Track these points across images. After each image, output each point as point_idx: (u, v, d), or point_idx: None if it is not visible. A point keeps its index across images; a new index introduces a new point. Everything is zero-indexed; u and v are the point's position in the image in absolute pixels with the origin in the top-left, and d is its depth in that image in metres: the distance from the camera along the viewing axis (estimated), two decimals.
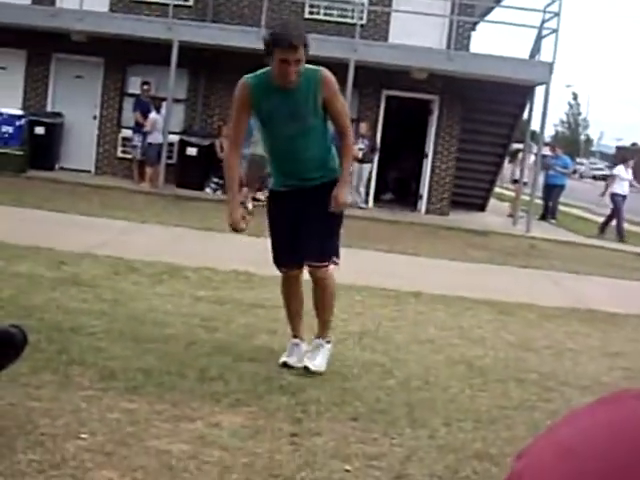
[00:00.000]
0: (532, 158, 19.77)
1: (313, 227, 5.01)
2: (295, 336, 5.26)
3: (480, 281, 9.76)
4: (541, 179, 20.13)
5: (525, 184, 19.46)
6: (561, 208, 21.82)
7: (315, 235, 5.01)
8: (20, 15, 16.70)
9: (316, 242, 5.01)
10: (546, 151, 20.93)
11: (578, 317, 8.02)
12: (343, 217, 5.20)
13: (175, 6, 17.00)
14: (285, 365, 5.05)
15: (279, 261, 5.17)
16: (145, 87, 17.45)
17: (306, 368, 4.96)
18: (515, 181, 20.09)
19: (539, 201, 19.90)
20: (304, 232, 5.03)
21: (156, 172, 16.92)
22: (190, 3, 18.12)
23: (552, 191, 20.30)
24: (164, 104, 17.07)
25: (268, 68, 4.89)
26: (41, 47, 17.97)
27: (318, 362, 5.02)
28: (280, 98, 4.88)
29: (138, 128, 17.25)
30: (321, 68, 4.98)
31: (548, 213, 20.38)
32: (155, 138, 16.96)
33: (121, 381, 4.42)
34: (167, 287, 7.09)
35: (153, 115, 16.91)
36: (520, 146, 19.93)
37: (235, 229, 5.14)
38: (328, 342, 5.19)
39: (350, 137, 5.15)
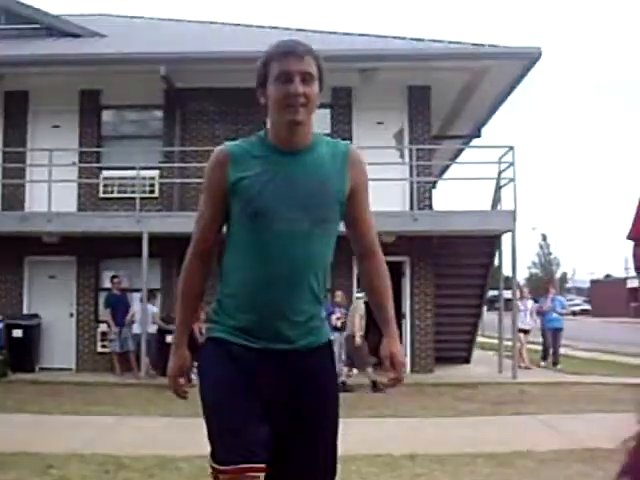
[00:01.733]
0: (530, 304, 20.20)
1: (308, 440, 3.04)
2: None
3: (474, 434, 9.66)
4: (535, 323, 20.38)
5: (528, 332, 19.88)
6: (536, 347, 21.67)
7: (314, 455, 3.06)
8: None
9: (317, 465, 3.08)
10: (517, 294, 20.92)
11: (576, 458, 7.91)
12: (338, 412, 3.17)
13: (142, 199, 17.42)
14: None
15: (229, 451, 2.89)
16: (115, 280, 17.65)
17: None
18: (521, 330, 19.52)
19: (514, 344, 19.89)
20: (292, 451, 3.03)
21: (141, 362, 16.85)
22: (156, 195, 18.58)
23: (554, 335, 19.90)
24: (136, 295, 17.27)
25: (255, 136, 3.09)
26: (13, 251, 18.27)
27: None
28: (282, 165, 2.96)
29: (119, 321, 17.30)
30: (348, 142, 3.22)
31: (551, 359, 19.83)
32: (137, 329, 17.02)
33: None
34: None
35: (135, 306, 16.99)
36: (496, 293, 20.14)
37: (177, 393, 3.32)
38: None
39: (384, 260, 3.22)
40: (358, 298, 15.53)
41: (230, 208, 3.01)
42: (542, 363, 20.04)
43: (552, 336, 19.94)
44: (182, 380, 3.29)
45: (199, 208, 3.11)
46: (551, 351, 20.03)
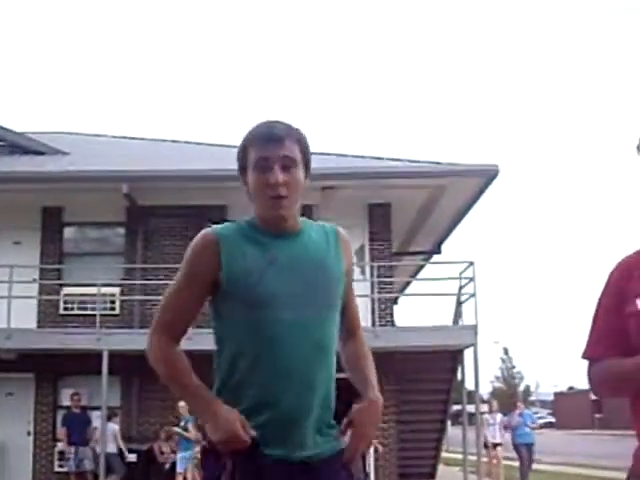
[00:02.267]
0: (499, 417, 19.86)
1: None
2: None
3: None
4: (502, 437, 19.87)
5: (500, 445, 19.48)
6: (505, 463, 21.00)
7: None
8: None
9: None
10: (484, 408, 20.59)
11: None
12: None
13: (102, 316, 17.30)
14: None
15: None
16: (75, 398, 17.33)
17: None
18: (494, 445, 19.42)
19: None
20: None
21: None
22: (117, 312, 18.47)
23: (528, 449, 19.26)
24: (97, 413, 16.96)
25: (243, 220, 2.80)
26: None
27: None
28: (279, 249, 2.69)
29: (76, 440, 16.93)
30: None
31: (525, 473, 19.29)
32: (112, 448, 16.62)
33: None
34: None
35: (112, 425, 16.71)
36: (460, 407, 20.03)
37: (236, 440, 2.53)
38: None
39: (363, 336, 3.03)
40: None
41: (217, 298, 2.68)
42: None
43: (526, 450, 19.28)
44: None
45: (168, 291, 2.75)
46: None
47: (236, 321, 2.64)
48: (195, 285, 2.67)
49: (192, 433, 15.37)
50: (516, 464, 20.04)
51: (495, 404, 20.74)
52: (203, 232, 2.71)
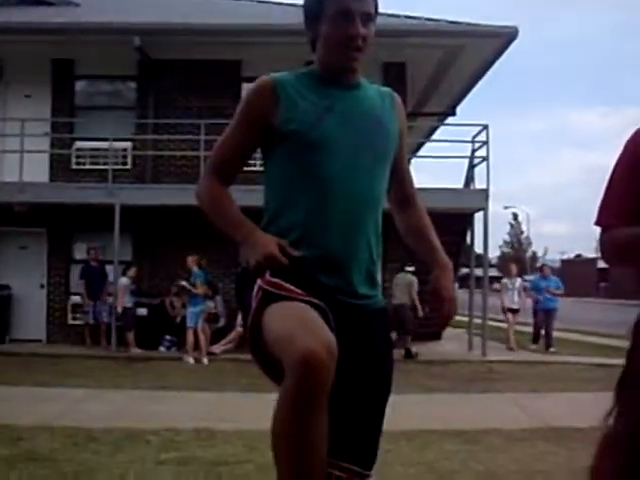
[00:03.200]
0: (518, 282, 19.69)
1: (364, 404, 2.70)
2: None
3: (442, 411, 9.74)
4: (528, 303, 19.78)
5: (517, 311, 19.27)
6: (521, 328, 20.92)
7: (366, 420, 2.73)
8: None
9: (366, 433, 2.73)
10: (492, 273, 20.70)
11: (543, 437, 8.01)
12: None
13: (114, 170, 17.29)
14: None
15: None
16: (93, 252, 17.52)
17: None
18: (510, 310, 19.10)
19: (491, 323, 19.93)
20: (345, 411, 2.62)
21: (112, 335, 16.79)
22: (129, 167, 18.46)
23: (547, 316, 18.97)
24: (112, 269, 17.17)
25: (302, 69, 2.81)
26: None
27: None
28: (338, 97, 2.71)
29: (94, 293, 17.23)
30: None
31: (543, 340, 18.91)
32: (126, 302, 16.80)
33: None
34: (128, 454, 6.94)
35: (124, 280, 16.87)
36: (467, 271, 20.15)
37: (272, 259, 2.50)
38: None
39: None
40: (409, 272, 16.83)
41: (271, 143, 2.69)
42: (532, 346, 19.02)
43: (544, 317, 19.03)
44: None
45: (224, 134, 2.77)
46: (543, 333, 19.13)
47: (289, 164, 2.66)
48: (248, 124, 2.70)
49: (201, 289, 15.57)
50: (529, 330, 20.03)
51: (514, 268, 20.30)
52: (262, 77, 2.72)
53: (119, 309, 16.59)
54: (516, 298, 19.32)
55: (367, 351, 2.68)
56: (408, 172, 3.00)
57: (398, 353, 16.52)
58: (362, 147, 2.67)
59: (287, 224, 2.64)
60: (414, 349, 16.54)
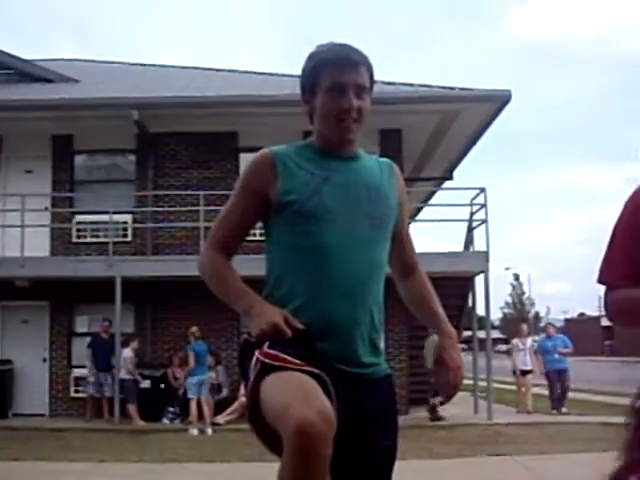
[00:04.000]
0: (529, 342, 19.23)
1: (367, 476, 2.66)
2: None
3: (449, 477, 9.64)
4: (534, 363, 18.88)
5: (530, 372, 18.67)
6: (513, 387, 20.53)
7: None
8: None
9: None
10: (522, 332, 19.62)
11: None
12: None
13: (115, 243, 17.37)
14: None
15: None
16: (105, 324, 17.39)
17: None
18: (522, 372, 18.65)
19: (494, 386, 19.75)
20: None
21: (115, 408, 16.68)
22: (129, 239, 18.55)
23: (559, 377, 18.26)
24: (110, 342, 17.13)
25: (300, 142, 2.89)
26: None
27: None
28: (335, 169, 2.76)
29: (100, 365, 17.14)
30: None
31: (557, 403, 18.10)
32: (128, 374, 16.75)
33: None
34: None
35: (126, 352, 16.82)
36: (470, 333, 20.03)
37: (276, 330, 2.48)
38: None
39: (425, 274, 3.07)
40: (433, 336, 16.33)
41: (271, 215, 2.74)
42: (554, 412, 17.96)
43: (557, 378, 18.30)
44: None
45: (225, 208, 2.82)
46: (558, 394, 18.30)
47: (288, 234, 2.69)
48: (248, 198, 2.74)
49: (191, 361, 15.65)
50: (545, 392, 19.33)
51: (525, 328, 19.88)
52: (260, 151, 2.77)
53: (124, 377, 16.56)
54: (528, 359, 18.81)
55: (369, 421, 2.66)
56: (409, 241, 3.02)
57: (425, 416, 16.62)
58: (360, 216, 2.70)
59: (288, 293, 2.66)
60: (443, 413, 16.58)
